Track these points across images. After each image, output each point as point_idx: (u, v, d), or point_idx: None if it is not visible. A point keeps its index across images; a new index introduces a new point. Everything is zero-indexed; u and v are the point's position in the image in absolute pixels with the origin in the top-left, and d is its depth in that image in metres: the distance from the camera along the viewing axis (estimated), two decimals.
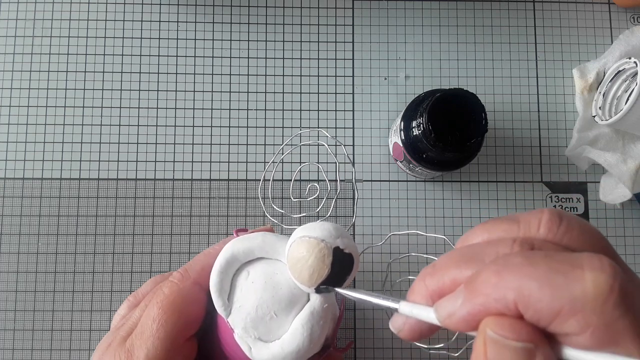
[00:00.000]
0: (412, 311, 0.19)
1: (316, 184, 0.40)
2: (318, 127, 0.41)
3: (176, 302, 0.26)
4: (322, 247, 0.24)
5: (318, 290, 0.24)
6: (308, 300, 0.26)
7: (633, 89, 0.35)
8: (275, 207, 0.34)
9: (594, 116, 0.40)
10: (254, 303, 0.25)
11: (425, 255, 0.32)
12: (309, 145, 0.40)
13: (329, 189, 0.40)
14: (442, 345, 0.28)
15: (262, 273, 0.26)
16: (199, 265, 0.28)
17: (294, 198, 0.40)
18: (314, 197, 0.40)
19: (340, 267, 0.24)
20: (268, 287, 0.25)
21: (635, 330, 0.14)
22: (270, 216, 0.38)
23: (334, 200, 0.40)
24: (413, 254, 0.37)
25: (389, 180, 0.40)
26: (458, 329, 0.17)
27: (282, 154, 0.40)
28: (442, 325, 0.18)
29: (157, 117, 0.41)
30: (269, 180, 0.39)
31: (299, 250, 0.24)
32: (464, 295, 0.17)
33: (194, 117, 0.41)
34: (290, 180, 0.40)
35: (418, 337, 0.20)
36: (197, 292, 0.27)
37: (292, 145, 0.40)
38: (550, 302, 0.14)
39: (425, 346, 0.27)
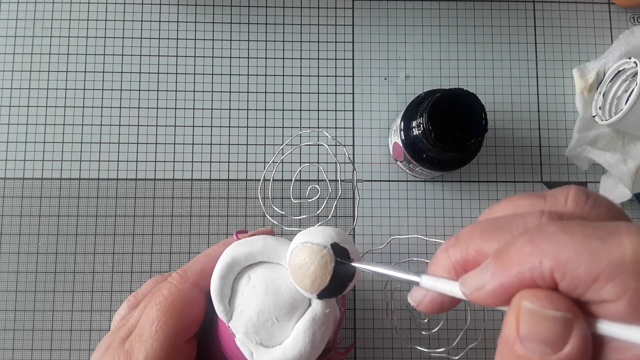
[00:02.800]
0: (434, 285, 0.18)
1: (317, 185, 0.40)
2: (318, 128, 0.41)
3: (175, 303, 0.26)
4: (324, 254, 0.24)
5: (320, 296, 0.24)
6: (309, 305, 0.26)
7: (633, 89, 0.35)
8: (275, 207, 0.34)
9: (594, 116, 0.40)
10: (255, 308, 0.25)
11: (427, 261, 0.32)
12: (309, 145, 0.40)
13: (329, 189, 0.40)
14: (443, 349, 0.28)
15: (264, 278, 0.26)
16: (199, 266, 0.28)
17: (294, 199, 0.40)
18: (315, 198, 0.40)
19: (341, 277, 0.24)
20: (270, 292, 0.25)
21: None
22: (270, 217, 0.38)
23: (335, 201, 0.40)
24: (414, 258, 0.37)
25: (389, 181, 0.40)
26: (486, 304, 0.16)
27: (282, 154, 0.40)
28: (469, 300, 0.17)
29: (157, 117, 0.41)
30: (269, 180, 0.39)
31: (301, 257, 0.24)
32: (493, 267, 0.16)
33: (194, 117, 0.41)
34: (291, 180, 0.40)
35: (439, 309, 0.19)
36: (197, 293, 0.27)
37: (292, 145, 0.40)
38: (588, 268, 0.14)
39: (427, 349, 0.27)
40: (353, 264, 0.24)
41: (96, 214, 0.39)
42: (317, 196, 0.39)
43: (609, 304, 0.14)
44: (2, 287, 0.39)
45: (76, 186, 0.40)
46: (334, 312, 0.26)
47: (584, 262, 0.14)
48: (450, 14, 0.42)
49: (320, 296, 0.24)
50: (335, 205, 0.40)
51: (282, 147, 0.40)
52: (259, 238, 0.26)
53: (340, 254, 0.24)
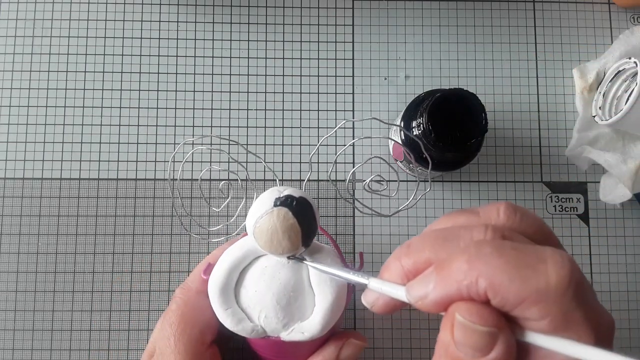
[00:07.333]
0: (381, 288, 0.21)
1: (313, 183, 0.40)
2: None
3: (185, 313, 0.27)
4: (278, 212, 0.24)
5: (305, 244, 0.25)
6: (304, 261, 0.26)
7: (633, 89, 0.35)
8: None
9: (594, 116, 0.40)
10: (273, 304, 0.25)
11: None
12: (309, 145, 0.40)
13: (326, 188, 0.40)
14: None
15: (256, 278, 0.26)
16: (198, 274, 0.29)
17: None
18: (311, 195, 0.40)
19: (303, 214, 0.24)
20: (271, 283, 0.26)
21: (586, 319, 0.16)
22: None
23: (334, 200, 0.40)
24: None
25: (389, 181, 0.40)
26: (428, 311, 0.18)
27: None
28: (414, 306, 0.19)
29: (157, 117, 0.41)
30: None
31: (264, 232, 0.24)
32: (435, 280, 0.18)
33: (194, 117, 0.41)
34: (287, 180, 0.40)
35: (391, 310, 0.21)
36: (203, 299, 0.27)
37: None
38: (517, 292, 0.16)
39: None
40: (308, 263, 0.25)
41: (96, 214, 0.39)
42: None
43: (534, 322, 0.17)
44: (2, 287, 0.39)
45: (76, 186, 0.40)
46: (321, 246, 0.27)
47: (513, 286, 0.16)
48: (450, 14, 0.42)
49: (306, 244, 0.25)
50: (335, 205, 0.40)
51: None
52: (226, 256, 0.27)
53: (287, 202, 0.24)
